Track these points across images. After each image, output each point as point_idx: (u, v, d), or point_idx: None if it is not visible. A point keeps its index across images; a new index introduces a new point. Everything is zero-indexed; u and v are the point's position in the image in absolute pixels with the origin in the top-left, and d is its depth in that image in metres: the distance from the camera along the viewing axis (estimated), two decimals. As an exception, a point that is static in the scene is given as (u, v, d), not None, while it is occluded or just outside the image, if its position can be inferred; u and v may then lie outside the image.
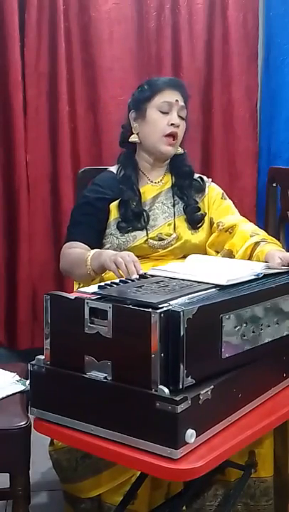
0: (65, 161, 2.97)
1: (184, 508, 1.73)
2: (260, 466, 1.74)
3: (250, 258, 1.86)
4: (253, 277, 1.48)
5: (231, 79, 3.12)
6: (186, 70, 3.07)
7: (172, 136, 2.02)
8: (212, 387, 1.26)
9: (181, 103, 2.03)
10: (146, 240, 2.01)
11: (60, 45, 2.89)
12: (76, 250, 1.95)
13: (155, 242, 2.02)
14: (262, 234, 1.96)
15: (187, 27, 3.05)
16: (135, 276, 1.55)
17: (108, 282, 1.45)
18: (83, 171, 2.43)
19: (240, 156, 3.18)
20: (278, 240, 2.20)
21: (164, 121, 2.01)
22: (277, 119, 3.11)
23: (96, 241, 1.98)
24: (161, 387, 1.19)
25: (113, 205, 2.03)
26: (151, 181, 2.10)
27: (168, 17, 3.01)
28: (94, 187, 2.09)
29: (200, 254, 1.96)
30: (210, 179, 2.18)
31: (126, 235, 2.00)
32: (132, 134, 2.08)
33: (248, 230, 1.96)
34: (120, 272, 1.62)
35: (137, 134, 2.07)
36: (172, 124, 2.01)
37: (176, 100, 2.02)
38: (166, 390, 1.18)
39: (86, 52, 2.97)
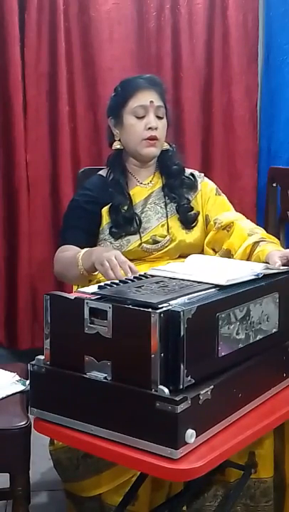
0: (65, 161, 2.97)
1: (184, 508, 1.73)
2: (260, 467, 1.74)
3: (249, 258, 1.85)
4: (253, 277, 1.48)
5: (231, 79, 3.12)
6: (186, 70, 3.07)
7: (152, 138, 2.00)
8: (212, 387, 1.26)
9: (157, 103, 2.00)
10: (140, 244, 2.00)
11: (60, 45, 2.89)
12: (68, 253, 1.94)
13: (149, 246, 2.01)
14: (260, 232, 1.94)
15: (187, 27, 3.05)
16: (131, 275, 1.54)
17: (108, 282, 1.45)
18: (83, 171, 2.42)
19: (240, 156, 3.18)
20: (278, 240, 2.19)
21: (140, 126, 1.99)
22: (277, 119, 3.11)
23: (89, 244, 1.96)
24: (161, 387, 1.19)
25: (104, 211, 2.01)
26: (141, 183, 2.09)
27: (168, 17, 3.02)
28: (83, 191, 2.08)
29: (200, 255, 1.96)
30: (202, 174, 2.16)
31: (119, 240, 1.99)
32: (115, 140, 2.07)
33: (245, 229, 1.94)
34: (110, 273, 1.61)
35: (119, 140, 2.06)
36: (150, 128, 1.99)
37: (151, 101, 1.99)
38: (166, 390, 1.18)
39: (86, 53, 2.97)
